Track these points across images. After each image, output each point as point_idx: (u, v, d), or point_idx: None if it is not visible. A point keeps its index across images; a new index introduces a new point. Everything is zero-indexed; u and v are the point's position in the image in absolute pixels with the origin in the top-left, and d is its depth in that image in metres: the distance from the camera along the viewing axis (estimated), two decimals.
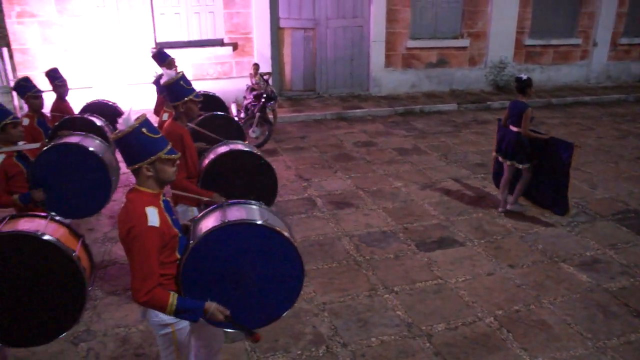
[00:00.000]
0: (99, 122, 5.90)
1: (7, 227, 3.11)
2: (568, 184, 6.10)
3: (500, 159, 6.57)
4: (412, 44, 13.02)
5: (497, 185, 6.93)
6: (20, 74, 10.92)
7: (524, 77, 6.28)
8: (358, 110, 11.77)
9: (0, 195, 4.26)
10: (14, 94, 10.97)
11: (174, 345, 3.13)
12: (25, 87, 5.79)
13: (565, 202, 6.18)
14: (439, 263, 5.62)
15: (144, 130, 2.74)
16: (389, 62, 13.04)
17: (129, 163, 2.83)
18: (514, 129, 6.30)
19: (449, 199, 7.23)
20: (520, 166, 6.34)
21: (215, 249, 2.93)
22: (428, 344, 4.39)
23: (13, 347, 3.13)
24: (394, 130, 10.62)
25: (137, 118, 2.77)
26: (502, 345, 4.38)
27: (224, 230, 2.93)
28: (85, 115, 5.95)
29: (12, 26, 10.93)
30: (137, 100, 10.42)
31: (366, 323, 4.66)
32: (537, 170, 6.37)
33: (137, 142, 2.74)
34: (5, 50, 10.86)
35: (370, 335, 4.51)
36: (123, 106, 7.10)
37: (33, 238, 3.00)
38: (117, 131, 2.77)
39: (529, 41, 13.94)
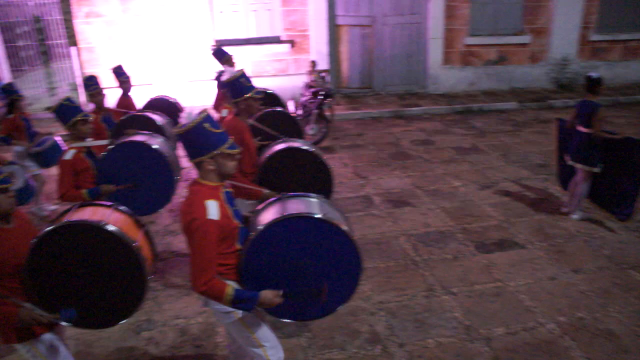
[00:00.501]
0: (160, 121, 6.02)
1: (74, 216, 3.21)
2: (639, 189, 5.80)
3: (569, 162, 6.28)
4: (471, 40, 12.75)
5: (565, 187, 6.65)
6: (86, 71, 11.35)
7: (595, 75, 6.00)
8: (415, 108, 11.63)
9: (68, 190, 4.42)
10: (81, 90, 11.42)
11: (248, 329, 3.16)
12: (89, 84, 6.00)
13: (631, 208, 5.88)
14: (499, 265, 5.47)
15: (206, 125, 2.80)
16: (447, 59, 12.82)
17: (191, 157, 2.89)
18: (584, 129, 6.03)
19: (509, 199, 7.04)
20: (595, 169, 6.04)
21: (274, 241, 2.97)
22: (487, 348, 4.28)
23: (79, 328, 3.22)
24: (452, 129, 10.43)
25: (200, 113, 2.83)
26: (564, 353, 4.22)
27: (283, 222, 2.96)
28: (147, 113, 6.09)
29: (80, 26, 11.36)
30: (196, 96, 10.62)
31: (423, 324, 4.59)
32: (604, 172, 6.08)
33: (200, 137, 2.80)
34: (73, 49, 11.31)
35: (427, 336, 4.44)
36: (183, 102, 7.23)
37: (97, 227, 3.08)
38: (180, 125, 2.83)
39: (595, 37, 13.38)
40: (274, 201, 3.28)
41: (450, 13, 12.44)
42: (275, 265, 3.00)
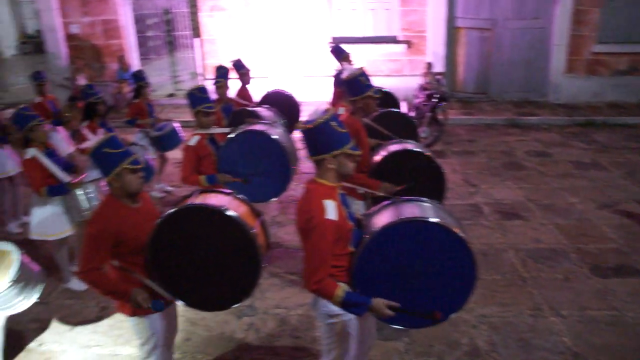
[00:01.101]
0: (267, 117, 6.18)
1: (197, 200, 3.36)
2: None
3: None
4: (599, 48, 11.94)
5: None
6: (207, 62, 11.90)
7: None
8: (533, 118, 11.11)
9: (190, 174, 4.66)
10: (200, 79, 12.00)
11: (336, 336, 3.19)
12: (221, 73, 6.30)
13: None
14: (616, 292, 5.10)
15: (333, 123, 2.82)
16: (570, 67, 12.10)
17: (313, 153, 2.92)
18: None
19: (632, 222, 6.53)
20: None
21: (388, 245, 2.94)
22: None
23: (190, 307, 3.37)
24: (572, 142, 9.85)
25: (326, 111, 2.85)
26: None
27: (398, 226, 2.93)
28: (260, 109, 6.29)
29: (204, 19, 11.93)
30: (311, 91, 10.80)
31: (527, 344, 4.39)
32: None
33: (325, 134, 2.83)
34: (197, 40, 11.90)
35: (530, 357, 4.24)
36: (298, 97, 7.37)
37: (218, 212, 3.20)
38: (306, 121, 2.87)
39: None
40: (388, 205, 3.25)
41: (577, 18, 11.73)
42: (387, 269, 2.97)
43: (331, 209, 2.82)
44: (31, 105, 5.68)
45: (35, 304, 3.97)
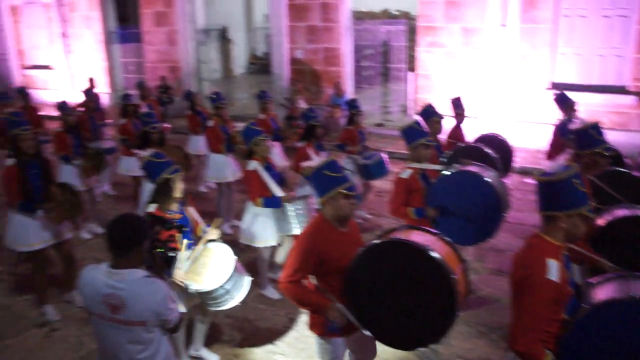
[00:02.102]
0: (493, 155, 5.94)
1: (403, 235, 3.34)
2: None
3: None
4: None
5: None
6: (420, 97, 12.01)
7: None
8: None
9: (399, 206, 4.69)
10: (410, 113, 12.12)
11: None
12: (429, 112, 6.25)
13: None
14: None
15: (575, 181, 2.61)
16: None
17: (545, 208, 2.75)
18: None
19: None
20: None
21: (608, 322, 2.61)
22: None
23: (375, 339, 3.34)
24: None
25: (568, 167, 2.66)
26: None
27: (625, 304, 2.58)
28: (481, 146, 6.08)
29: (421, 54, 12.08)
30: (523, 138, 10.31)
31: None
32: None
33: (564, 191, 2.64)
34: (411, 74, 12.10)
35: None
36: (512, 142, 7.05)
37: (422, 251, 3.14)
38: (545, 173, 2.71)
39: None
40: (615, 277, 2.90)
41: None
42: (601, 348, 2.64)
43: (554, 270, 2.61)
44: (256, 121, 6.18)
45: None
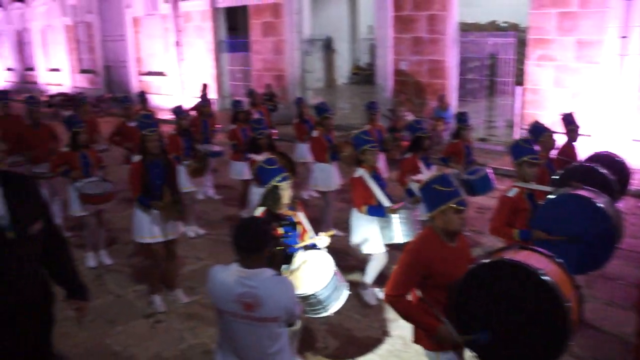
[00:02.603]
0: (609, 176, 5.59)
1: (515, 256, 3.22)
2: None
3: None
4: None
5: None
6: (527, 112, 11.58)
7: None
8: None
9: (502, 225, 4.53)
10: (515, 129, 11.72)
11: None
12: (538, 129, 6.01)
13: None
14: None
15: None
16: None
17: None
18: None
19: None
20: None
21: None
22: None
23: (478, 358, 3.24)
24: None
25: None
26: None
27: None
28: (596, 166, 5.74)
29: (530, 67, 11.63)
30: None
31: None
32: None
33: None
34: (519, 88, 11.68)
35: None
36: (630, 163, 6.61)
37: (534, 274, 3.01)
38: None
39: None
40: None
41: None
42: None
43: None
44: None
45: None
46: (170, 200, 5.38)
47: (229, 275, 2.97)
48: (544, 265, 3.14)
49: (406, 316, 3.27)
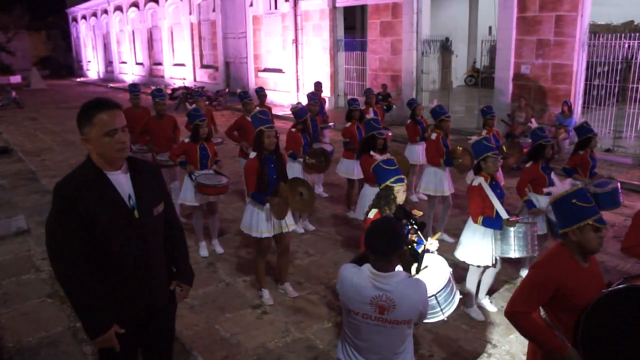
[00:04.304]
0: None
1: None
2: None
3: None
4: None
5: None
6: None
7: None
8: None
9: (635, 244, 4.13)
10: None
11: None
12: None
13: None
14: None
15: None
16: None
17: None
18: None
19: None
20: None
21: None
22: None
23: None
24: None
25: None
26: None
27: None
28: None
29: None
30: None
31: None
32: None
33: None
34: None
35: None
36: None
37: None
38: None
39: None
40: None
41: None
42: None
43: None
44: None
45: None
46: (286, 196, 5.44)
47: (363, 277, 2.93)
48: None
49: (531, 334, 3.05)
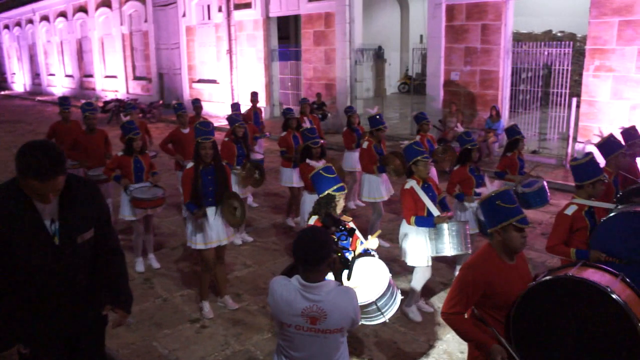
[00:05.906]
0: None
1: (579, 273, 3.08)
2: None
3: None
4: None
5: None
6: (582, 124, 11.22)
7: None
8: None
9: (558, 244, 4.35)
10: (569, 142, 11.37)
11: None
12: (613, 145, 5.79)
13: None
14: None
15: None
16: None
17: None
18: None
19: None
20: None
21: None
22: None
23: None
24: None
25: None
26: None
27: None
28: None
29: (588, 79, 11.27)
30: None
31: None
32: None
33: None
34: (574, 100, 11.32)
35: None
36: None
37: (602, 292, 2.89)
38: None
39: None
40: None
41: None
42: None
43: None
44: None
45: None
46: (229, 204, 5.42)
47: (292, 290, 2.92)
48: (610, 283, 3.00)
49: (461, 334, 3.17)
